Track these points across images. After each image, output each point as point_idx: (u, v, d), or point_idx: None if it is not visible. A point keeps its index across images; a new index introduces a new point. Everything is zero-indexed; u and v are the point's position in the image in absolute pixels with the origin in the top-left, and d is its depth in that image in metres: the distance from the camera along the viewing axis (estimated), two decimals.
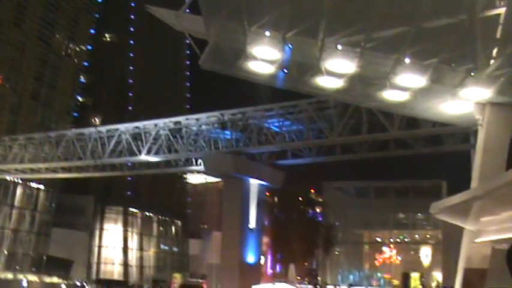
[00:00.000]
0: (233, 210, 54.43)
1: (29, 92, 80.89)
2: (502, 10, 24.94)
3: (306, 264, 72.68)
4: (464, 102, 31.55)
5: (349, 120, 45.88)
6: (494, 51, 26.97)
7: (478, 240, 30.84)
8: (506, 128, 31.94)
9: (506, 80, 28.42)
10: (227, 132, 54.01)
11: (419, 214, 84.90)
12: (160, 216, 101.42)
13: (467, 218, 30.82)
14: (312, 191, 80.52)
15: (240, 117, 52.67)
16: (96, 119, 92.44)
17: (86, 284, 72.43)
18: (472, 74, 28.12)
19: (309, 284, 45.25)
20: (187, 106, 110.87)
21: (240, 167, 53.00)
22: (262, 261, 65.20)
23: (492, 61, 27.28)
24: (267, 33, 27.27)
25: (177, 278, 79.77)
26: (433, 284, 73.20)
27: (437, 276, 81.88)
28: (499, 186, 25.21)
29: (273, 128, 51.97)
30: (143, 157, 57.37)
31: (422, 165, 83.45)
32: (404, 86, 29.95)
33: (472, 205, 29.13)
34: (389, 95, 31.92)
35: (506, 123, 31.90)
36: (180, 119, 56.36)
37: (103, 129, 61.42)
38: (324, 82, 30.70)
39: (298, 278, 54.08)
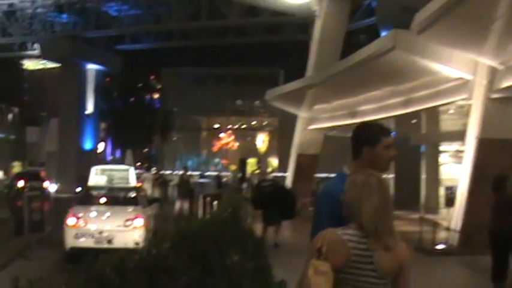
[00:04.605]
0: (70, 96, 53.26)
1: None
2: None
3: (145, 150, 72.95)
4: None
5: (188, 6, 45.57)
6: None
7: (311, 127, 32.17)
8: (342, 21, 33.00)
9: None
10: (64, 15, 52.12)
11: (257, 101, 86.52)
12: None
13: (301, 106, 32.00)
14: (152, 77, 79.90)
15: (77, 0, 50.90)
16: None
17: None
18: None
19: (147, 170, 45.73)
20: None
21: (77, 51, 51.59)
22: (101, 147, 64.68)
23: None
24: None
25: (16, 166, 77.68)
26: (269, 169, 75.80)
27: (273, 161, 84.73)
28: (332, 75, 26.26)
29: (111, 12, 50.78)
30: None
31: (260, 54, 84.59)
32: None
33: (306, 93, 30.24)
34: None
35: (342, 16, 32.94)
36: (14, 1, 53.48)
37: None
38: None
39: (138, 163, 54.29)
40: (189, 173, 29.68)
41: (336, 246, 3.40)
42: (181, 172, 31.67)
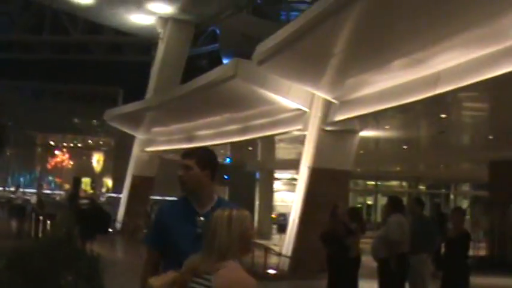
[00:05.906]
0: None
1: None
2: None
3: None
4: (149, 14, 32.20)
5: (31, 19, 44.43)
6: None
7: (147, 149, 32.08)
8: (185, 44, 33.31)
9: None
10: None
11: (94, 120, 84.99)
12: None
13: (139, 127, 31.87)
14: None
15: None
16: None
17: None
18: None
19: None
20: None
21: None
22: None
23: None
24: None
25: None
26: (103, 189, 74.57)
27: (108, 181, 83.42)
28: (172, 99, 26.40)
29: None
30: None
31: (100, 72, 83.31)
32: None
33: (145, 115, 30.16)
34: None
35: (185, 40, 33.26)
36: None
37: None
38: None
39: None
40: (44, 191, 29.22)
41: None
42: (35, 191, 31.13)
